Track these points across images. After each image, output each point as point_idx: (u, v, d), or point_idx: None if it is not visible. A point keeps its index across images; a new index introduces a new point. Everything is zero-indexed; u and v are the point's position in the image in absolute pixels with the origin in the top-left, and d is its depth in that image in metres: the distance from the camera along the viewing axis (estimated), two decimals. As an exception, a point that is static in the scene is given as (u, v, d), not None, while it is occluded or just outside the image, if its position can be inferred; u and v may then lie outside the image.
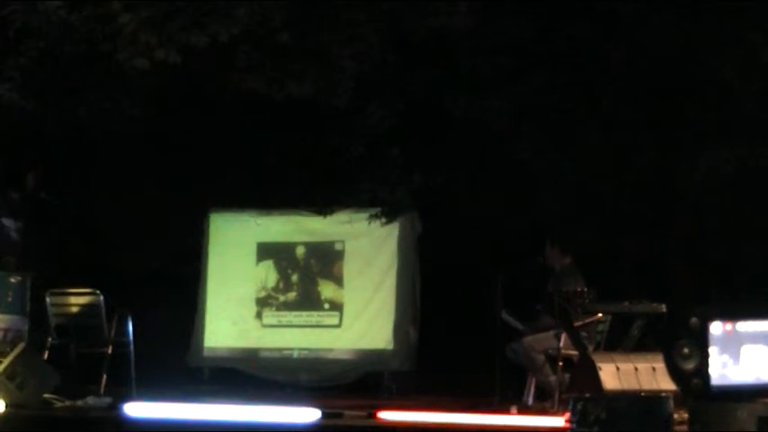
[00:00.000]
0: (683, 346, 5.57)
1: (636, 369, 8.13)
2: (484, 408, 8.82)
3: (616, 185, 10.22)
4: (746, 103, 9.40)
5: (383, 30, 9.61)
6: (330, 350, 11.96)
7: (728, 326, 5.51)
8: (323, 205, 11.73)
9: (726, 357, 5.50)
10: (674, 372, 5.62)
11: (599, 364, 8.23)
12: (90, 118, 10.30)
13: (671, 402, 6.75)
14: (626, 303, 8.78)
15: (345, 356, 11.89)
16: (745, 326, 5.54)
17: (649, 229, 10.41)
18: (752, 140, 9.55)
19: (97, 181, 11.28)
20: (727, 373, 5.50)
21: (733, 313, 5.55)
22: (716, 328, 5.50)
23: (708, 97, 9.58)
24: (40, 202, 10.25)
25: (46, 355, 9.67)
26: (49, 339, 9.82)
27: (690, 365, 5.54)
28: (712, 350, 5.49)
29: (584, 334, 8.94)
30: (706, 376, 5.47)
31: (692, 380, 5.53)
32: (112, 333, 9.77)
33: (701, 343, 5.49)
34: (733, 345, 5.52)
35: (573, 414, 7.10)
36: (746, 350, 5.53)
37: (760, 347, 5.54)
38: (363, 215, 11.55)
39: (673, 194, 10.24)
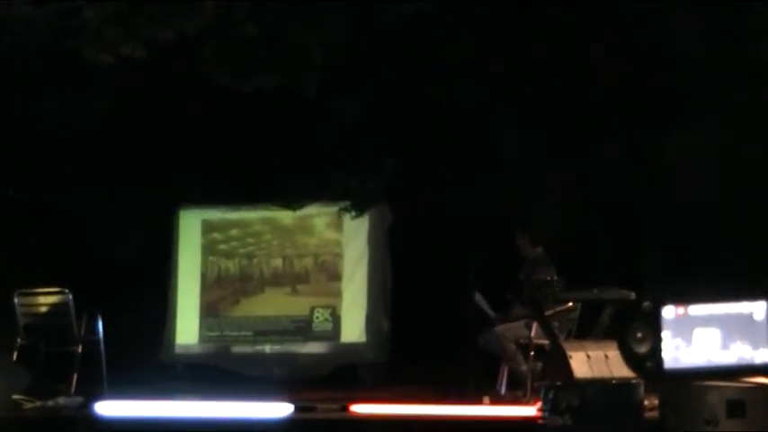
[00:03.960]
0: (637, 329, 5.57)
1: (606, 356, 8.04)
2: (457, 398, 8.78)
3: (587, 169, 10.21)
4: (713, 86, 9.40)
5: (352, 16, 9.58)
6: (303, 344, 11.92)
7: (681, 309, 5.53)
8: (293, 199, 11.68)
9: (678, 341, 5.52)
10: (628, 355, 5.63)
11: (569, 353, 8.19)
12: (57, 114, 10.25)
13: (641, 389, 6.73)
14: (595, 291, 8.74)
15: (318, 350, 11.84)
16: (697, 309, 5.56)
17: (621, 214, 10.38)
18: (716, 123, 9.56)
19: (66, 178, 11.22)
20: (680, 355, 5.52)
21: (685, 297, 5.56)
22: (668, 311, 5.52)
23: (676, 77, 9.59)
24: (8, 201, 10.20)
25: (15, 356, 9.60)
26: (18, 339, 9.73)
27: (643, 349, 5.55)
28: (665, 334, 5.50)
29: (555, 323, 8.89)
30: (659, 359, 5.47)
31: (646, 363, 5.53)
32: (82, 332, 9.70)
33: (654, 326, 5.49)
34: (685, 328, 5.54)
35: (545, 402, 7.07)
36: (698, 333, 5.55)
37: (711, 330, 5.55)
38: (333, 209, 11.53)
39: (644, 178, 10.22)
